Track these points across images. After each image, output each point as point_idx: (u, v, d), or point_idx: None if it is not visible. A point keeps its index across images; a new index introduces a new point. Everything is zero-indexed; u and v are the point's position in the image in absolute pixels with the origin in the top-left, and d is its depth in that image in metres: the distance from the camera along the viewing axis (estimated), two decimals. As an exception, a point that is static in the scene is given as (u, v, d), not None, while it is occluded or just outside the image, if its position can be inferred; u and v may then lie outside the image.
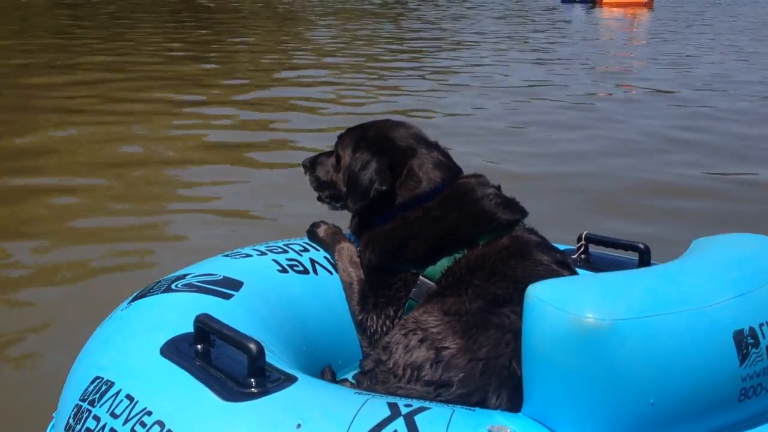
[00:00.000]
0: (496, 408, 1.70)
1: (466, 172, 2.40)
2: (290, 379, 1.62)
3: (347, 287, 2.36)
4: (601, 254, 2.54)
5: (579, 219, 4.94)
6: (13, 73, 9.60)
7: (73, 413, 1.72)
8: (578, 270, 2.40)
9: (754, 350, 1.45)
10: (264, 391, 1.56)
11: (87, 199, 5.34)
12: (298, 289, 2.28)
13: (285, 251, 2.42)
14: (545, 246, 2.17)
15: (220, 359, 1.70)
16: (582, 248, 2.54)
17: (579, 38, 16.36)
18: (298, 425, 1.45)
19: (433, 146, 2.35)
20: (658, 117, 8.87)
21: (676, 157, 7.00)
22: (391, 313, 2.23)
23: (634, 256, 2.38)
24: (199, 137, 7.12)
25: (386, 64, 12.10)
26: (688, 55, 14.46)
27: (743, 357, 1.44)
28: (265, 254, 2.36)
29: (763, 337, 1.47)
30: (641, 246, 2.35)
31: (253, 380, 1.59)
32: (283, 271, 2.31)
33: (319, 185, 2.47)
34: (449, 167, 2.32)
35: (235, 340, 1.62)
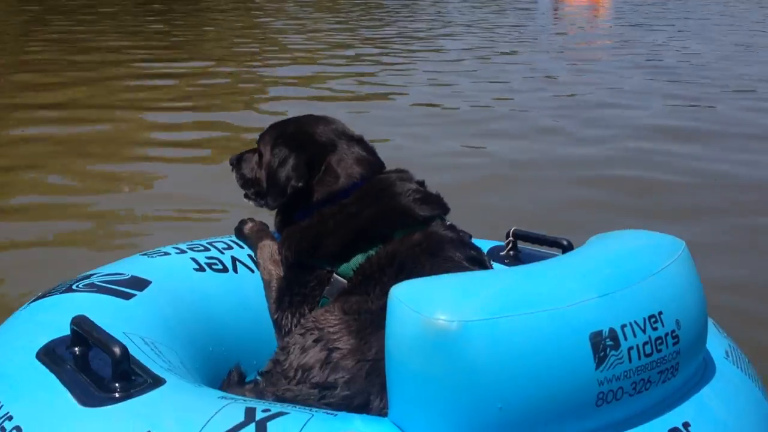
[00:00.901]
0: (379, 410, 1.66)
1: (392, 167, 2.36)
2: (156, 383, 1.58)
3: (266, 285, 2.33)
4: (530, 251, 2.49)
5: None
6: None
7: (-51, 416, 1.70)
8: (499, 266, 2.36)
9: (613, 352, 1.40)
10: (125, 396, 1.54)
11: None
12: (213, 287, 2.25)
13: (207, 249, 2.39)
14: (459, 242, 2.13)
15: (97, 363, 1.67)
16: (510, 244, 2.49)
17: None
18: None
19: (356, 141, 2.31)
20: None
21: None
22: (306, 311, 2.19)
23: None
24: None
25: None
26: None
27: (600, 360, 1.39)
28: (185, 252, 2.34)
29: (625, 339, 1.42)
30: (564, 242, 2.30)
31: (117, 384, 1.56)
32: (200, 269, 2.28)
33: (244, 183, 2.43)
34: (370, 163, 2.28)
35: (101, 342, 1.59)
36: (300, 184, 2.20)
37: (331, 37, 13.23)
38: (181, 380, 1.65)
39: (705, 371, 1.68)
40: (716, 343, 1.84)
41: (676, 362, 1.50)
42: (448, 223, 2.19)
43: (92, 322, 1.67)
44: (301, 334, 1.93)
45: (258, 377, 2.00)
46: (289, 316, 2.21)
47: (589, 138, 7.03)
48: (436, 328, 1.34)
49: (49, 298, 2.00)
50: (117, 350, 1.56)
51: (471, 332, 1.33)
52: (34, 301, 2.03)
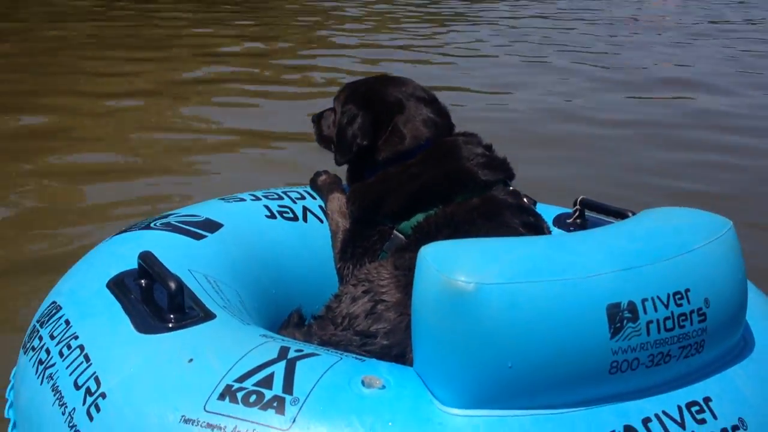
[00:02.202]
0: (413, 362, 1.74)
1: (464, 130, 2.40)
2: (207, 317, 1.72)
3: (332, 236, 2.44)
4: (597, 219, 2.50)
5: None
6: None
7: (29, 332, 1.90)
8: (558, 233, 2.38)
9: (630, 324, 1.42)
10: (177, 327, 1.67)
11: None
12: (281, 234, 2.37)
13: (280, 198, 2.51)
14: (518, 208, 2.16)
15: (159, 295, 1.82)
16: (577, 213, 2.50)
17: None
18: (190, 360, 1.56)
19: (427, 102, 2.36)
20: None
21: None
22: (366, 263, 2.28)
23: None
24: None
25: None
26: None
27: (615, 330, 1.41)
28: (259, 199, 2.46)
29: (645, 312, 1.44)
30: (629, 214, 2.29)
31: (172, 315, 1.70)
32: (272, 216, 2.41)
33: (321, 139, 2.53)
34: (439, 125, 2.33)
35: (160, 276, 1.73)
36: (365, 143, 2.27)
37: None
38: (231, 317, 1.77)
39: (742, 351, 1.67)
40: (765, 326, 1.82)
41: (701, 339, 1.51)
42: (511, 188, 2.22)
43: (155, 257, 1.82)
44: (353, 285, 2.02)
45: (312, 321, 2.11)
46: (351, 266, 2.31)
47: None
48: (454, 288, 1.40)
49: (128, 233, 2.16)
50: (172, 284, 1.70)
51: (487, 294, 1.39)
52: (117, 235, 2.20)
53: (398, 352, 1.81)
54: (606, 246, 1.50)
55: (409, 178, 2.21)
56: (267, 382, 1.48)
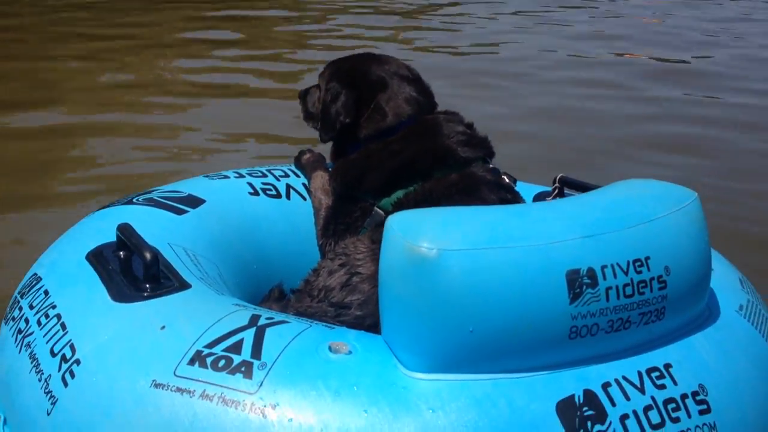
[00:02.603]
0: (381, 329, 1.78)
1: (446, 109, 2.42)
2: (183, 287, 1.75)
3: (315, 213, 2.47)
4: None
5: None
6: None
7: (11, 303, 1.94)
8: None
9: (589, 290, 1.45)
10: (152, 296, 1.71)
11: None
12: (264, 211, 2.40)
13: (264, 176, 2.54)
14: (495, 185, 2.19)
15: (137, 267, 1.85)
16: (556, 190, 2.52)
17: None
18: (162, 327, 1.59)
19: (411, 81, 2.39)
20: None
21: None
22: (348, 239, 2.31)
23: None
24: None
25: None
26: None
27: (575, 296, 1.45)
28: (243, 177, 2.50)
29: (604, 278, 1.47)
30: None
31: (147, 285, 1.74)
32: (255, 193, 2.44)
33: (306, 116, 2.56)
34: (421, 103, 2.35)
35: (136, 247, 1.77)
36: (348, 120, 2.30)
37: None
38: (207, 287, 1.81)
39: (706, 320, 1.70)
40: (732, 297, 1.85)
41: (662, 306, 1.54)
42: (491, 166, 2.25)
43: (133, 230, 1.85)
44: (331, 259, 2.06)
45: (290, 295, 2.15)
46: (333, 243, 2.34)
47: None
48: (417, 254, 1.44)
49: (111, 208, 2.20)
50: (148, 255, 1.73)
51: (448, 260, 1.42)
52: (99, 210, 2.24)
53: (371, 323, 1.84)
54: (568, 214, 1.53)
55: (390, 155, 2.24)
56: (236, 347, 1.52)
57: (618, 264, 1.49)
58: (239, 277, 2.20)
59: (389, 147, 2.26)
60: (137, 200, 2.22)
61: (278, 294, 2.25)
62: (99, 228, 2.05)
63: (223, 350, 1.51)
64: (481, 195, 2.13)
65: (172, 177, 3.36)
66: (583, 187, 2.45)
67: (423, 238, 1.45)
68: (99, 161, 5.01)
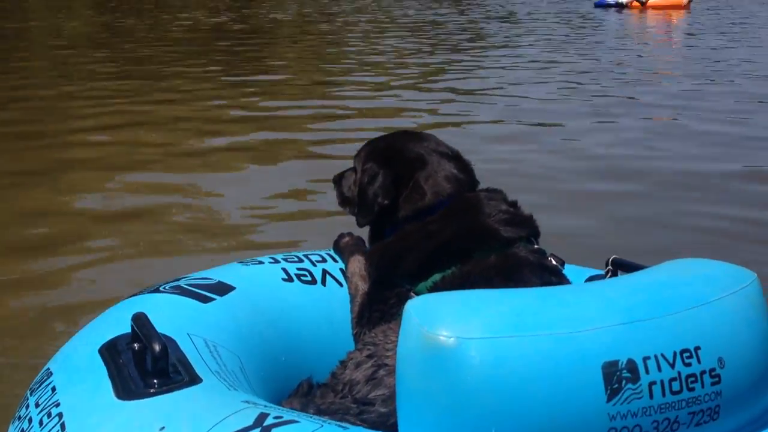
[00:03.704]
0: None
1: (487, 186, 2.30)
2: (192, 382, 1.64)
3: (351, 299, 2.34)
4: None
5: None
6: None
7: (21, 400, 1.85)
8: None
9: (629, 386, 1.27)
10: (159, 392, 1.60)
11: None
12: (297, 298, 2.29)
13: (300, 261, 2.44)
14: (539, 267, 2.04)
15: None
16: (609, 273, 2.34)
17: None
18: (162, 428, 1.47)
19: (449, 158, 2.27)
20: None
21: None
22: None
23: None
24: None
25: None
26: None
27: (612, 392, 1.27)
28: (278, 262, 2.40)
29: (647, 372, 1.28)
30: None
31: (155, 380, 1.63)
32: (288, 279, 2.34)
33: (343, 201, 2.46)
34: (461, 181, 2.23)
35: (146, 338, 1.67)
36: (386, 202, 2.19)
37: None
38: (219, 382, 1.69)
39: (770, 421, 1.48)
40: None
41: (715, 404, 1.34)
42: (536, 246, 2.10)
43: (147, 319, 1.75)
44: (359, 350, 1.92)
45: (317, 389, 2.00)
46: (367, 332, 2.21)
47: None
48: (435, 343, 1.30)
49: (136, 297, 2.12)
50: (157, 347, 1.63)
51: (468, 350, 1.27)
52: (127, 299, 2.16)
53: (396, 421, 1.68)
54: (605, 297, 1.37)
55: (427, 236, 2.11)
56: (236, 451, 1.38)
57: (663, 355, 1.31)
58: (265, 370, 2.07)
59: (427, 227, 2.13)
60: (164, 288, 2.14)
61: (307, 388, 2.10)
62: (119, 319, 1.96)
63: (223, 454, 1.37)
64: (522, 278, 1.98)
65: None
66: (636, 270, 2.26)
67: (441, 324, 1.31)
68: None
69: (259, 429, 1.43)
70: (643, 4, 28.74)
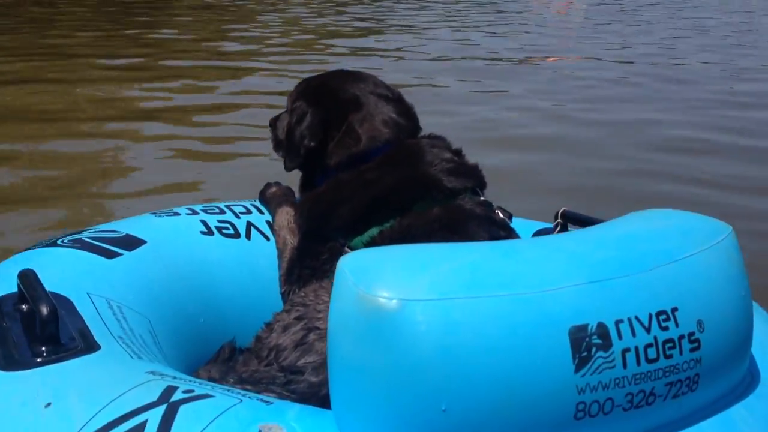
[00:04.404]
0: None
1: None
2: (88, 349, 1.40)
3: (279, 255, 2.12)
4: (581, 233, 2.16)
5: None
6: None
7: None
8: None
9: (600, 353, 1.09)
10: (47, 361, 1.36)
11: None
12: (217, 253, 2.06)
13: (222, 212, 2.20)
14: (487, 220, 1.84)
15: (42, 322, 1.50)
16: (558, 227, 2.16)
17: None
18: (47, 404, 1.23)
19: (390, 100, 2.04)
20: None
21: None
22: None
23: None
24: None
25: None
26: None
27: (581, 361, 1.08)
28: (196, 214, 2.15)
29: (619, 337, 1.10)
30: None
31: (43, 348, 1.38)
32: (208, 233, 2.10)
33: (276, 145, 2.21)
34: (401, 126, 2.01)
35: (33, 299, 1.42)
36: (312, 144, 1.96)
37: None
38: (121, 349, 1.45)
39: (747, 388, 1.33)
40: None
41: (695, 373, 1.17)
42: (481, 198, 1.90)
43: (36, 277, 1.50)
44: (287, 311, 1.71)
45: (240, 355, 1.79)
46: (297, 290, 1.99)
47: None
48: (374, 306, 1.09)
49: (29, 252, 1.86)
50: (45, 309, 1.38)
51: (413, 314, 1.07)
52: (18, 254, 1.89)
53: (329, 392, 1.47)
54: (569, 253, 1.18)
55: (363, 186, 1.89)
56: (136, 432, 1.15)
57: (637, 318, 1.13)
58: (181, 334, 1.84)
59: (362, 176, 1.91)
60: (62, 242, 1.87)
61: (228, 353, 1.88)
62: (6, 276, 1.70)
63: (119, 437, 1.14)
64: (468, 232, 1.78)
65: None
66: (590, 223, 2.09)
67: (380, 284, 1.10)
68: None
69: (164, 406, 1.21)
70: None
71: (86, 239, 1.89)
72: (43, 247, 1.86)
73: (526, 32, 12.86)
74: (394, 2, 15.72)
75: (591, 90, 8.10)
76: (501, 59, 9.95)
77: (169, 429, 1.15)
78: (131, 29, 10.95)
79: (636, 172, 5.25)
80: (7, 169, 4.99)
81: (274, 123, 2.22)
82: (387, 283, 1.10)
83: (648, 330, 1.13)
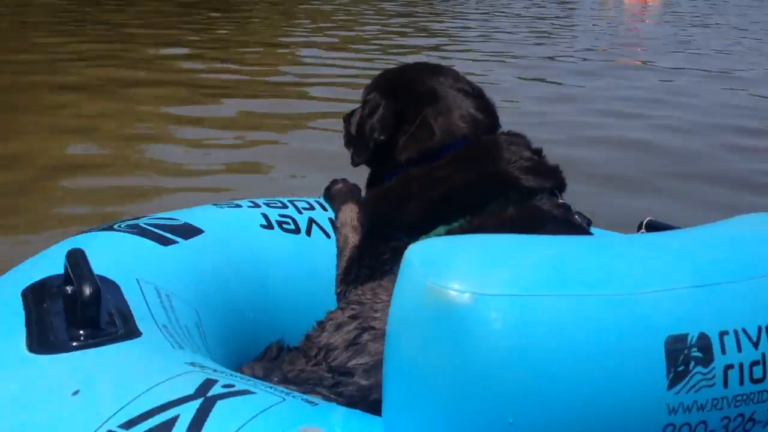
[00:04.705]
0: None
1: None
2: (129, 335, 1.30)
3: (338, 253, 2.00)
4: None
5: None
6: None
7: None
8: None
9: (699, 369, 0.93)
10: (83, 345, 1.26)
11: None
12: (275, 248, 1.96)
13: (284, 207, 2.11)
14: (565, 223, 1.69)
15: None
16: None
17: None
18: (76, 392, 1.13)
19: (470, 95, 1.91)
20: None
21: None
22: None
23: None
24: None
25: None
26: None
27: (676, 376, 0.93)
28: (258, 207, 2.06)
29: (722, 352, 0.94)
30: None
31: (82, 332, 1.29)
32: (268, 227, 2.00)
33: (348, 141, 2.10)
34: (479, 122, 1.87)
35: (77, 280, 1.33)
36: (382, 138, 1.84)
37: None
38: (164, 338, 1.35)
39: None
40: None
41: (807, 400, 0.99)
42: (560, 201, 1.75)
43: (84, 257, 1.41)
44: (341, 309, 1.59)
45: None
46: (352, 291, 1.86)
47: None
48: (442, 299, 0.95)
49: (85, 235, 1.78)
50: (87, 290, 1.29)
51: (487, 309, 0.93)
52: (73, 237, 1.82)
53: (380, 397, 1.34)
54: (670, 252, 1.01)
55: (433, 183, 1.76)
56: (165, 428, 1.04)
57: (745, 330, 0.96)
58: (229, 329, 1.74)
59: (434, 172, 1.78)
60: (119, 227, 1.80)
61: (276, 352, 1.76)
62: (57, 257, 1.62)
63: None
64: (546, 234, 1.63)
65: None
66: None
67: (452, 276, 0.97)
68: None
69: (200, 400, 1.09)
70: None
71: (143, 225, 1.81)
72: (100, 230, 1.78)
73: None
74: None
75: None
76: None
77: (202, 425, 1.04)
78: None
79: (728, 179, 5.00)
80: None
81: (348, 118, 2.11)
82: (459, 274, 0.96)
83: (756, 345, 0.96)
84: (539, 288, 0.95)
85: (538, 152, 1.83)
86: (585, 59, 9.99)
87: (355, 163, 1.96)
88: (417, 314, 1.00)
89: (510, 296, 0.94)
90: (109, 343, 1.27)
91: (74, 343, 1.27)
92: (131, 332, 1.31)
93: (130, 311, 1.41)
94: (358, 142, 1.93)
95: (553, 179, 1.77)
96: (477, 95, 1.91)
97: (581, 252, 1.02)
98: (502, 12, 15.07)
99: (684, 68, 9.59)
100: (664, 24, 15.17)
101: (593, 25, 14.31)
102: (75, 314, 1.36)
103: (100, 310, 1.31)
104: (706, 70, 9.53)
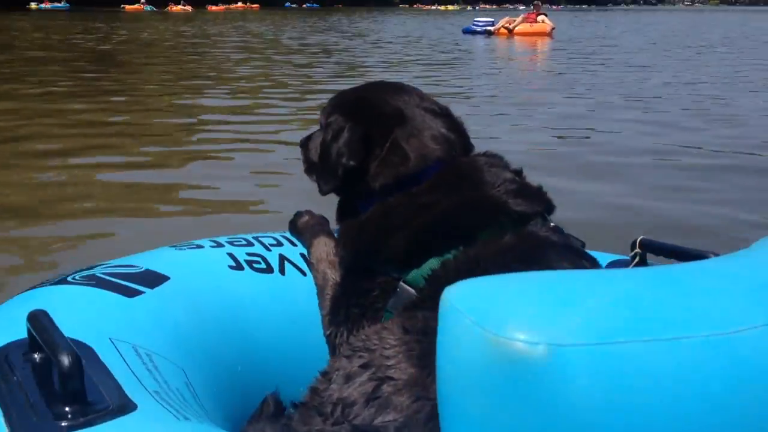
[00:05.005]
0: None
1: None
2: (122, 410, 1.11)
3: (319, 292, 1.84)
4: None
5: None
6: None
7: None
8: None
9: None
10: (73, 425, 1.07)
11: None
12: (250, 290, 1.79)
13: (250, 244, 1.93)
14: (567, 249, 1.58)
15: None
16: (637, 258, 1.90)
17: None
18: None
19: (438, 115, 1.79)
20: None
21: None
22: (366, 327, 1.68)
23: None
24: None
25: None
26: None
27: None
28: (221, 246, 1.88)
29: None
30: (710, 256, 1.70)
31: (67, 408, 1.09)
32: (237, 267, 1.82)
33: (309, 167, 1.94)
34: (452, 142, 1.75)
35: (50, 347, 1.13)
36: (352, 164, 1.70)
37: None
38: (162, 409, 1.16)
39: None
40: None
41: None
42: (552, 224, 1.65)
43: (49, 320, 1.21)
44: (347, 357, 1.43)
45: (292, 410, 1.50)
46: (345, 332, 1.71)
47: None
48: (511, 353, 0.82)
49: (35, 290, 1.57)
50: (65, 359, 1.09)
51: (568, 362, 0.80)
52: (22, 293, 1.60)
53: (419, 457, 1.20)
54: (749, 282, 0.91)
55: (417, 212, 1.63)
56: None
57: None
58: (218, 384, 1.55)
59: (415, 200, 1.65)
60: (73, 279, 1.59)
61: (273, 408, 1.59)
62: (11, 319, 1.41)
63: None
64: (549, 263, 1.52)
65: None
66: (676, 253, 1.83)
67: (515, 324, 0.83)
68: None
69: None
70: (510, 31, 30.03)
71: (100, 275, 1.61)
72: (51, 284, 1.57)
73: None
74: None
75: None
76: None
77: None
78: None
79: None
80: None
81: (305, 143, 1.96)
82: (524, 322, 0.83)
83: None
84: (622, 334, 0.83)
85: (518, 173, 1.73)
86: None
87: (323, 192, 1.81)
88: (477, 371, 0.86)
89: (590, 345, 0.81)
90: (104, 420, 1.08)
91: (63, 423, 1.07)
92: (125, 405, 1.13)
93: (115, 379, 1.22)
94: (323, 168, 1.78)
95: (542, 202, 1.67)
96: (445, 114, 1.80)
97: (648, 288, 0.90)
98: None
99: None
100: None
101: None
102: (52, 388, 1.16)
103: (84, 382, 1.11)
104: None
